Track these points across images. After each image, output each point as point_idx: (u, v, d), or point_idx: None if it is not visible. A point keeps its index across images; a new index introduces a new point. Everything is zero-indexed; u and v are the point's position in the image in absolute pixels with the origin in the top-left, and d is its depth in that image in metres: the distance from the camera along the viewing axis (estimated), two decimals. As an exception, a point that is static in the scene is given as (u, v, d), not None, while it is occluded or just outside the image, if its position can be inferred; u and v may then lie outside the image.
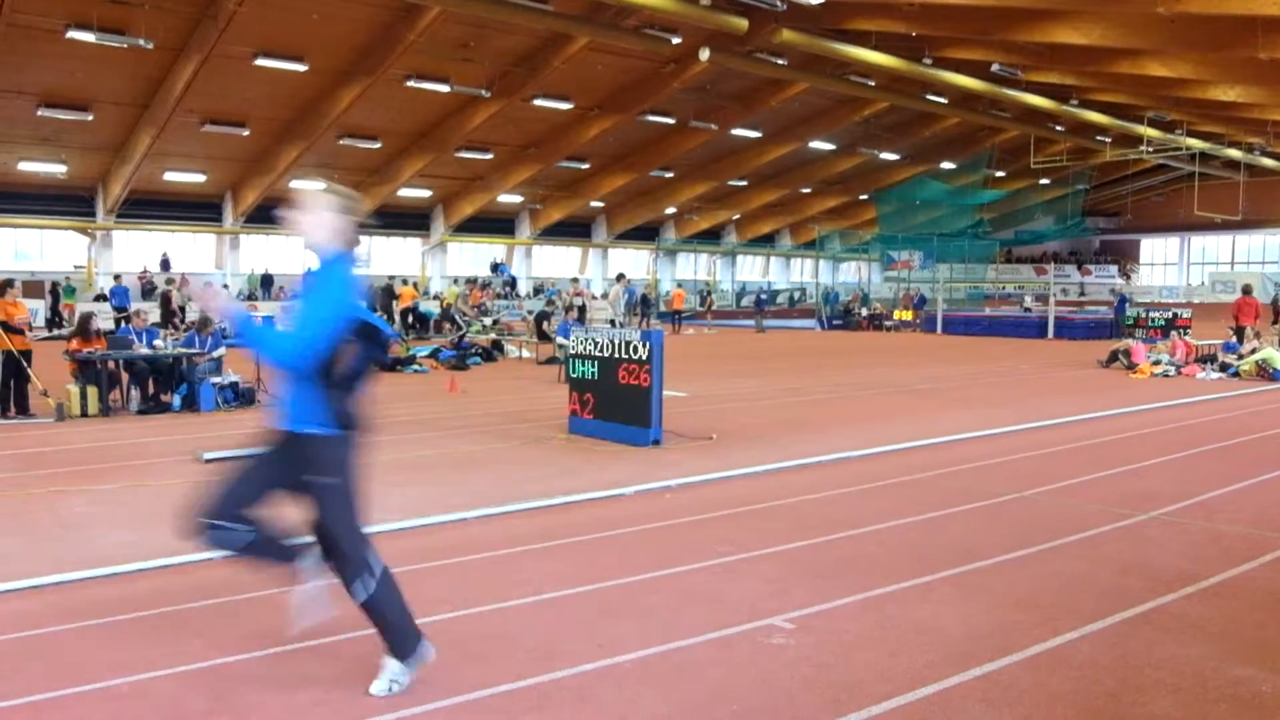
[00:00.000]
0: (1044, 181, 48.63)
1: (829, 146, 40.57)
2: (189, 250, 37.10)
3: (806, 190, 47.51)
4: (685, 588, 4.92)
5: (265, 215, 36.45)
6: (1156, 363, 16.85)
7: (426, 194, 39.66)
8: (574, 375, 9.76)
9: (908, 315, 34.77)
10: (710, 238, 50.72)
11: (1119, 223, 60.58)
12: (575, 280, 39.62)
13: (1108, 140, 39.52)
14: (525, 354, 19.98)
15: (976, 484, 7.50)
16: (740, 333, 32.38)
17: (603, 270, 47.96)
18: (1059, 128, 38.74)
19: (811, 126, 37.72)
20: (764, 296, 37.00)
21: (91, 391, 10.94)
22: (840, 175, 45.25)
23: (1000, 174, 46.01)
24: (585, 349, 9.54)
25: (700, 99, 32.87)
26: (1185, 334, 20.50)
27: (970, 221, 46.07)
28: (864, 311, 36.01)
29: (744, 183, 44.37)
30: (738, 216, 50.02)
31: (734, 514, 6.52)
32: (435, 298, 35.92)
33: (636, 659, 3.99)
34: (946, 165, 44.27)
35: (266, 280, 36.76)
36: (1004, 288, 51.53)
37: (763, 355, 22.00)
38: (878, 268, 50.82)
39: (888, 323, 34.46)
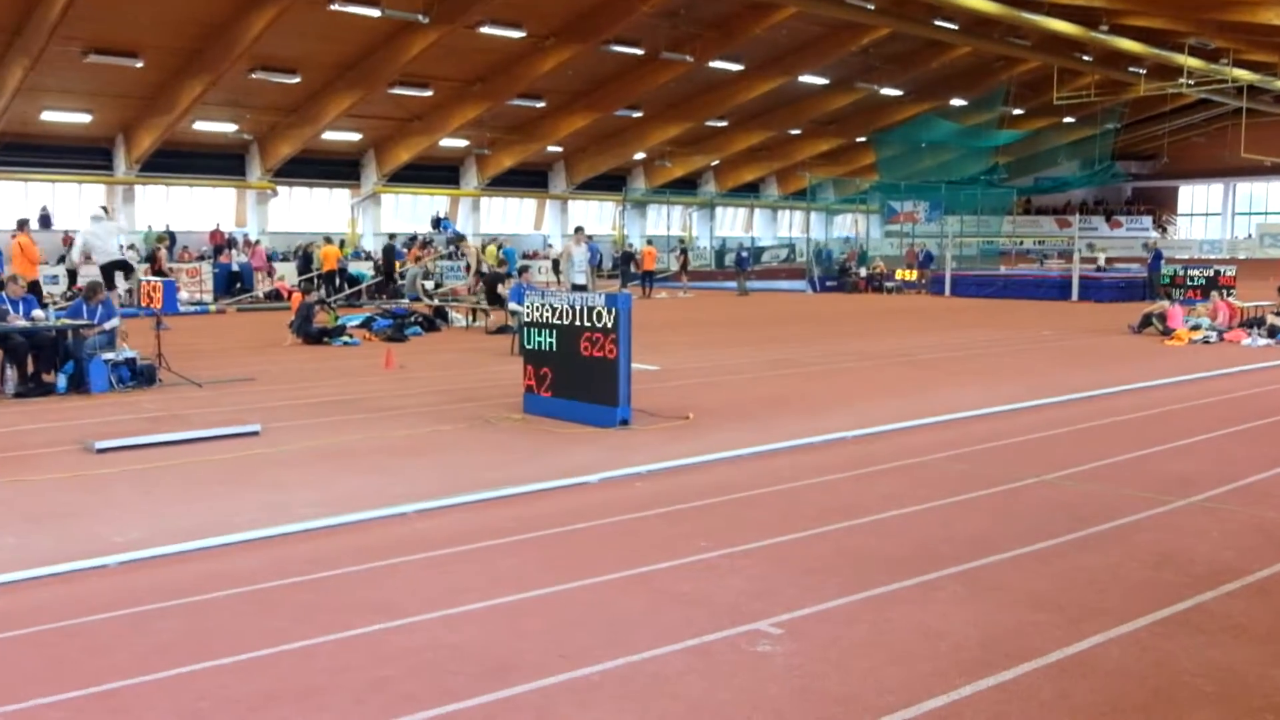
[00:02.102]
0: (1068, 120, 48.95)
1: (821, 81, 40.53)
2: (75, 203, 36.43)
3: (795, 132, 47.48)
4: (659, 589, 4.94)
5: (166, 162, 35.90)
6: (1195, 328, 17.09)
7: (355, 138, 39.18)
8: (529, 347, 9.72)
9: (911, 275, 34.97)
10: (685, 187, 50.63)
11: (1154, 167, 61.20)
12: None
13: (1142, 72, 39.81)
14: (473, 322, 19.90)
15: (990, 467, 7.58)
16: (720, 296, 32.44)
17: (562, 225, 47.79)
18: (1086, 58, 38.94)
19: (801, 58, 37.64)
20: (746, 254, 36.99)
21: (-40, 371, 10.74)
22: (834, 114, 45.27)
23: (1018, 112, 46.25)
24: (542, 316, 9.51)
25: (673, 26, 32.65)
26: (1229, 295, 20.79)
27: (984, 167, 46.37)
28: (862, 271, 36.19)
29: (724, 123, 44.25)
30: (717, 162, 49.94)
31: (714, 504, 6.55)
32: (368, 257, 35.67)
33: (604, 671, 4.00)
34: (956, 102, 44.42)
35: (169, 238, 36.22)
36: (1022, 242, 52.01)
37: (746, 322, 22.07)
38: (877, 220, 51.06)
39: (889, 284, 34.68)
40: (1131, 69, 39.95)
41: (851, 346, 16.35)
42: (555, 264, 29.04)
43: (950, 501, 6.57)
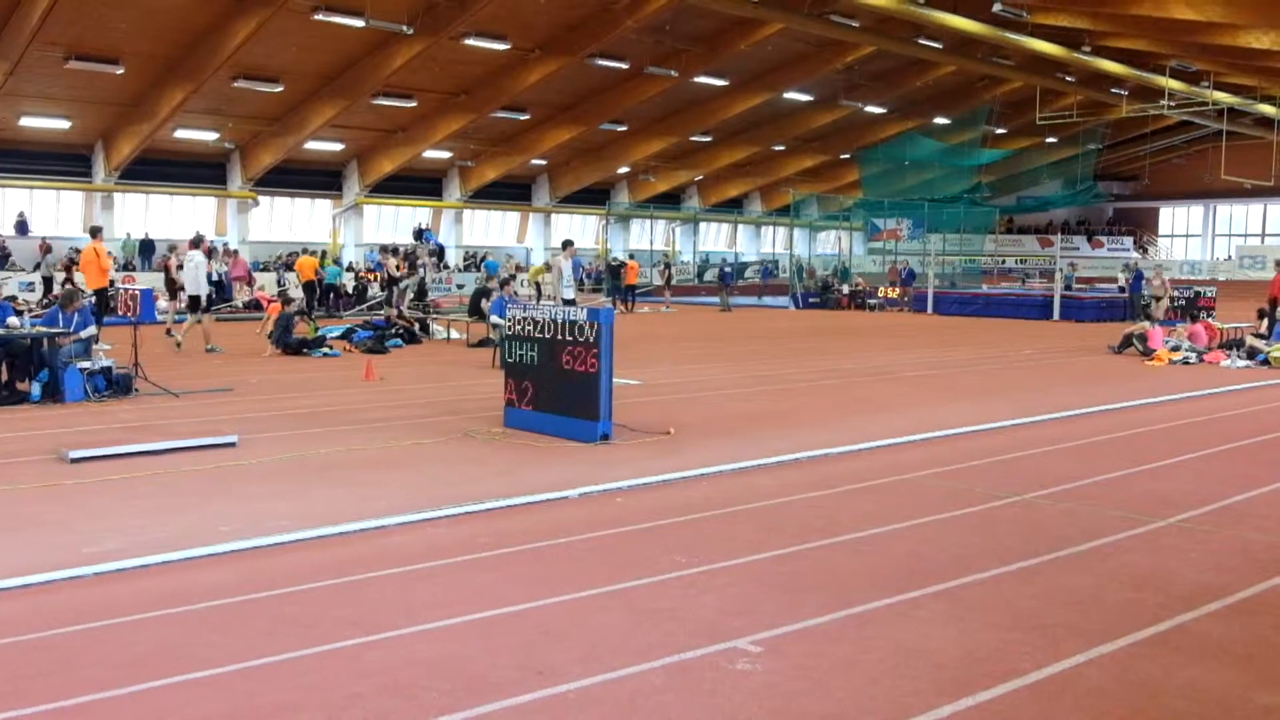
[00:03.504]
0: (1051, 140, 49.41)
1: (806, 98, 40.76)
2: (52, 210, 36.20)
3: (780, 148, 47.70)
4: (637, 605, 4.92)
5: (145, 170, 35.72)
6: (1175, 349, 17.20)
7: (338, 148, 39.10)
8: (510, 360, 9.70)
9: (894, 293, 35.12)
10: (669, 202, 50.75)
11: (1135, 188, 61.82)
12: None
13: (1124, 93, 40.21)
14: (454, 335, 19.86)
15: (971, 485, 7.60)
16: (703, 311, 32.49)
17: (545, 239, 47.79)
18: (1069, 78, 39.31)
19: (786, 74, 37.86)
20: (729, 269, 37.09)
21: (-68, 378, 10.64)
22: (819, 131, 45.51)
23: (1001, 131, 46.64)
24: (523, 330, 9.49)
25: (658, 41, 32.78)
26: (1209, 316, 20.95)
27: (967, 185, 46.69)
28: (844, 288, 36.33)
29: (708, 139, 44.43)
30: (700, 178, 50.10)
31: (694, 520, 6.53)
32: (349, 268, 35.56)
33: (581, 688, 3.98)
34: (940, 121, 44.76)
35: (147, 246, 36.02)
36: (1004, 261, 52.34)
37: (728, 337, 22.10)
38: (860, 237, 51.28)
39: (871, 300, 34.81)
40: (1114, 90, 40.35)
41: (834, 363, 16.40)
42: (537, 286, 29.05)
43: (931, 520, 6.58)
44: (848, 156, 47.74)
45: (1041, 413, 11.07)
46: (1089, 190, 50.93)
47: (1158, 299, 22.33)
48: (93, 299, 15.46)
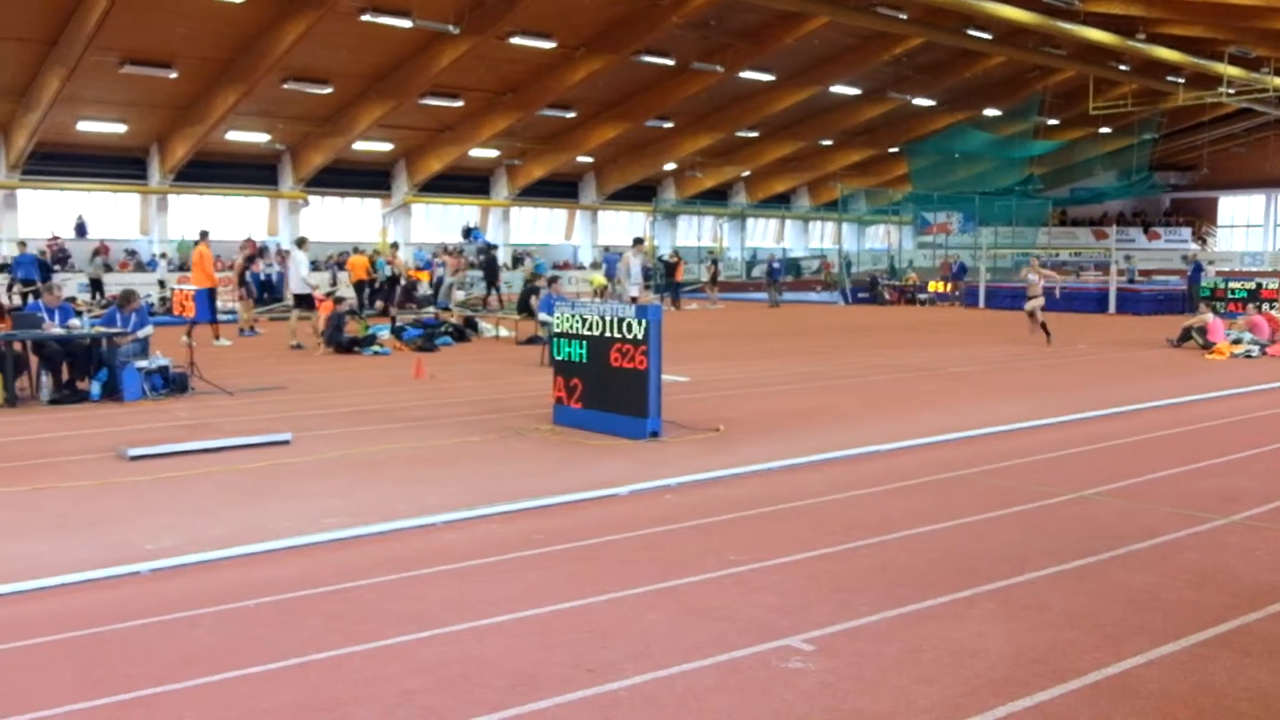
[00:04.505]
0: (1105, 131, 48.53)
1: (853, 91, 40.44)
2: (109, 212, 36.91)
3: (827, 142, 47.39)
4: (688, 603, 4.92)
5: (199, 172, 36.29)
6: (1237, 341, 16.86)
7: (387, 148, 39.47)
8: (559, 357, 9.74)
9: (945, 287, 34.76)
10: (716, 198, 50.62)
11: (1193, 178, 60.52)
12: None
13: (1181, 81, 39.40)
14: (503, 332, 19.97)
15: (1026, 483, 7.50)
16: (751, 308, 32.38)
17: (592, 236, 47.89)
18: (1123, 67, 38.61)
19: (833, 68, 37.58)
20: (777, 265, 36.89)
21: (-5, 378, 10.89)
22: (866, 125, 45.13)
23: (1053, 122, 45.92)
24: (572, 327, 9.52)
25: (703, 37, 32.70)
26: (1271, 308, 20.50)
27: (1018, 177, 46.05)
28: (894, 282, 36.03)
29: (755, 134, 44.23)
30: (748, 173, 49.88)
31: (744, 517, 6.52)
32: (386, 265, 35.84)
33: (632, 686, 3.99)
34: (990, 112, 44.15)
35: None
36: (1057, 254, 51.55)
37: (777, 334, 22.01)
38: (910, 232, 50.80)
39: (921, 295, 34.49)
40: (1170, 78, 39.55)
41: (883, 359, 16.26)
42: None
43: (984, 518, 6.50)
44: (896, 150, 47.27)
45: (1097, 408, 10.90)
46: (1145, 181, 49.97)
47: None
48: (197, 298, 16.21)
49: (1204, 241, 58.37)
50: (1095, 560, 5.59)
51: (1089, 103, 38.45)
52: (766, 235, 55.90)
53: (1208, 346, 16.97)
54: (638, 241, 16.31)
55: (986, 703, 3.83)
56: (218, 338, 17.80)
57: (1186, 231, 59.18)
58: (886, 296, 34.96)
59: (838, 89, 39.54)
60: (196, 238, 18.93)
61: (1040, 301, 18.63)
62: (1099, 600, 4.96)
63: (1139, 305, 28.14)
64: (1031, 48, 35.91)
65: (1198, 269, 27.73)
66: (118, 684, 3.99)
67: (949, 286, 34.73)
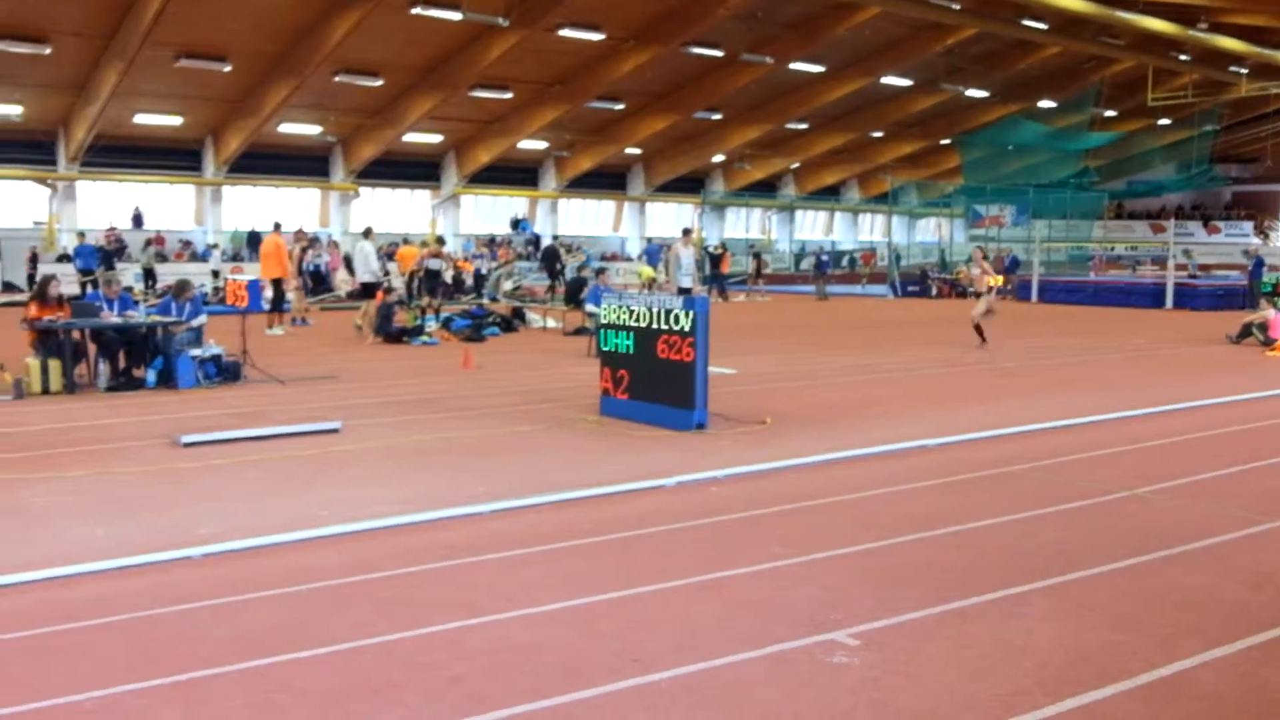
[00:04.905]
0: (1163, 122, 47.66)
1: (904, 82, 40.03)
2: (164, 204, 37.54)
3: (878, 134, 46.98)
4: (733, 595, 4.91)
5: (252, 163, 36.80)
6: (1297, 338, 16.50)
7: (436, 140, 39.75)
8: (606, 349, 9.76)
9: (998, 281, 34.33)
10: (765, 190, 50.40)
11: (1255, 171, 59.19)
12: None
13: (1243, 72, 38.58)
14: (551, 323, 20.05)
15: (1079, 479, 7.40)
16: (799, 300, 32.22)
17: (640, 227, 47.90)
18: (1184, 57, 37.87)
19: (884, 59, 37.23)
20: (825, 258, 36.65)
21: (54, 365, 11.13)
22: (918, 116, 44.68)
23: (1110, 113, 45.18)
24: (619, 319, 9.53)
25: (752, 28, 32.54)
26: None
27: (1073, 170, 45.36)
28: (944, 276, 35.64)
29: (804, 126, 43.96)
30: (797, 165, 49.60)
31: (790, 510, 6.50)
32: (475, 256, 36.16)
33: (676, 677, 3.99)
34: (1045, 104, 43.52)
35: (254, 238, 37.12)
36: (1113, 248, 50.71)
37: (825, 326, 21.89)
38: (961, 225, 50.24)
39: (973, 289, 34.06)
40: (1232, 68, 38.75)
41: (933, 353, 16.11)
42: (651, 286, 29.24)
43: (1034, 514, 6.43)
44: (948, 142, 46.76)
45: (1153, 405, 10.71)
46: (1205, 174, 48.92)
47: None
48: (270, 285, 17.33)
49: (1266, 236, 57.09)
50: (1148, 559, 5.51)
51: (1148, 94, 37.74)
52: (815, 227, 55.56)
53: (1269, 343, 16.62)
54: (686, 232, 16.21)
55: (1036, 701, 3.79)
56: (271, 326, 18.09)
57: (1248, 225, 57.92)
58: (936, 290, 34.61)
59: (889, 80, 39.17)
60: (270, 229, 19.39)
61: (990, 300, 16.78)
62: (1151, 600, 4.89)
63: (1197, 301, 27.62)
64: (1088, 38, 35.33)
65: (1259, 264, 27.11)
66: (171, 666, 4.07)
67: (1002, 280, 34.27)
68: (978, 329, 16.61)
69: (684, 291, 14.63)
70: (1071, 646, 4.31)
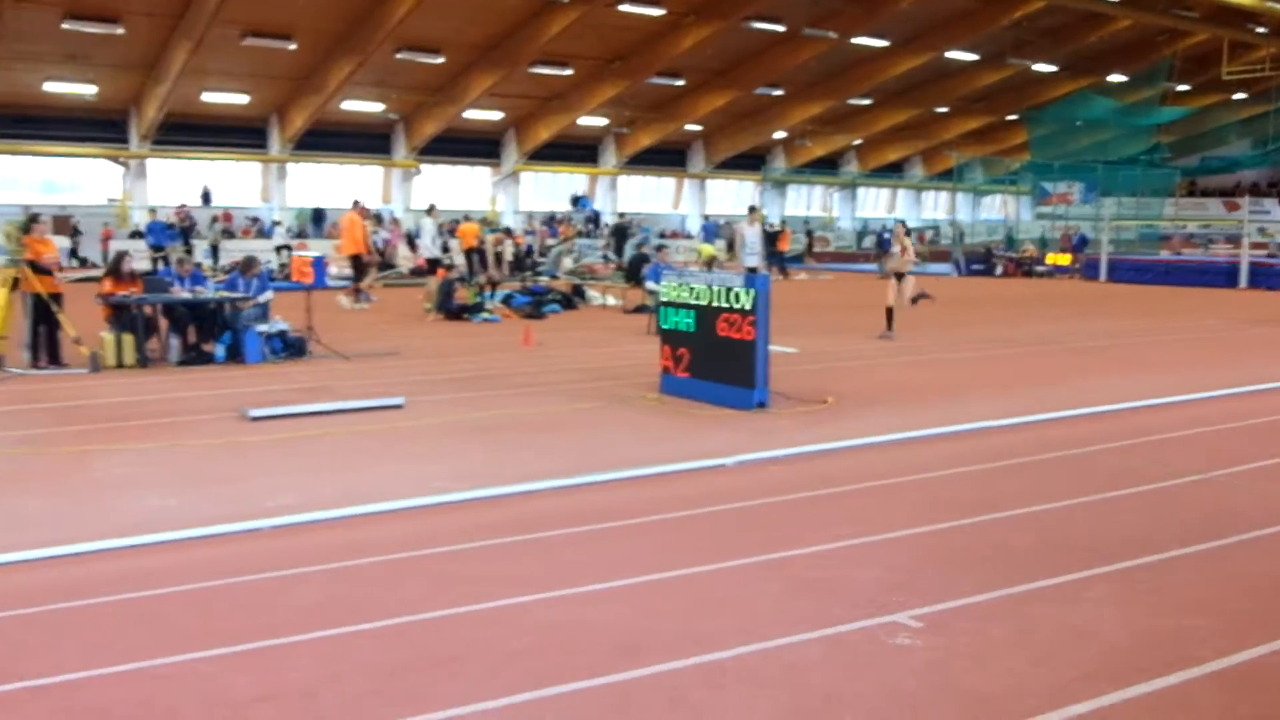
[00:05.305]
0: (1239, 97, 46.25)
1: (971, 57, 39.31)
2: (231, 181, 38.17)
3: (943, 110, 46.24)
4: (794, 576, 4.89)
5: (316, 141, 37.25)
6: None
7: (497, 116, 39.90)
8: (666, 327, 9.74)
9: (1065, 259, 33.72)
10: (827, 167, 49.90)
11: (1334, 146, 57.34)
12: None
13: (1323, 43, 37.31)
14: (611, 301, 20.06)
15: (1148, 462, 7.25)
16: (859, 278, 31.90)
17: (700, 205, 47.72)
18: (1260, 29, 36.69)
19: (950, 32, 36.57)
20: (888, 236, 36.20)
21: (127, 340, 11.39)
22: (984, 91, 43.88)
23: (1183, 88, 43.92)
24: (679, 296, 9.51)
25: (815, 2, 32.14)
26: None
27: (1144, 146, 44.22)
28: (1010, 254, 35.05)
29: (867, 101, 43.41)
30: (859, 142, 49.04)
31: (852, 491, 6.45)
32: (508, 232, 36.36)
33: (736, 656, 3.99)
34: (1115, 78, 42.48)
35: (318, 215, 37.62)
36: (1185, 226, 49.46)
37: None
38: (1028, 202, 49.34)
39: (1040, 268, 33.50)
40: (1313, 40, 37.49)
41: (998, 332, 15.87)
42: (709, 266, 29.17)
43: (1102, 497, 6.31)
44: (1014, 117, 45.86)
45: (1226, 387, 10.45)
46: (1282, 149, 47.51)
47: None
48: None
49: (1346, 214, 55.27)
50: (1219, 545, 5.38)
51: (1222, 67, 36.66)
52: (878, 205, 54.94)
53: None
54: (752, 210, 16.03)
55: (1102, 687, 3.73)
56: (351, 299, 18.74)
57: (1326, 203, 56.14)
58: (1002, 269, 34.06)
59: (954, 54, 38.51)
60: (349, 206, 19.78)
61: (910, 283, 15.05)
62: (1222, 586, 4.77)
63: (1272, 280, 26.87)
64: (1161, 10, 34.40)
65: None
66: (239, 635, 4.15)
67: (1070, 258, 33.66)
68: (889, 314, 14.74)
69: (750, 270, 14.43)
70: (1139, 632, 4.23)
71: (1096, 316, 18.81)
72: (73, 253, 30.99)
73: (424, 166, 40.70)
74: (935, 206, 55.96)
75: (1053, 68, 41.51)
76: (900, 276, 14.81)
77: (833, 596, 4.61)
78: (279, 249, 28.60)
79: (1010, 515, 5.92)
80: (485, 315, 16.95)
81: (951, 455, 7.44)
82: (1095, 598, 4.62)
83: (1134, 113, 42.08)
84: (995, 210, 55.97)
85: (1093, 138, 43.76)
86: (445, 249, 24.28)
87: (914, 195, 55.79)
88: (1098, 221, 36.39)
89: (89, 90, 32.51)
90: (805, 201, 50.88)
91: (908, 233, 15.48)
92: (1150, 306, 21.32)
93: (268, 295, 12.68)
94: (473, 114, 38.03)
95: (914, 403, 9.56)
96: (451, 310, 16.93)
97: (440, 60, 33.36)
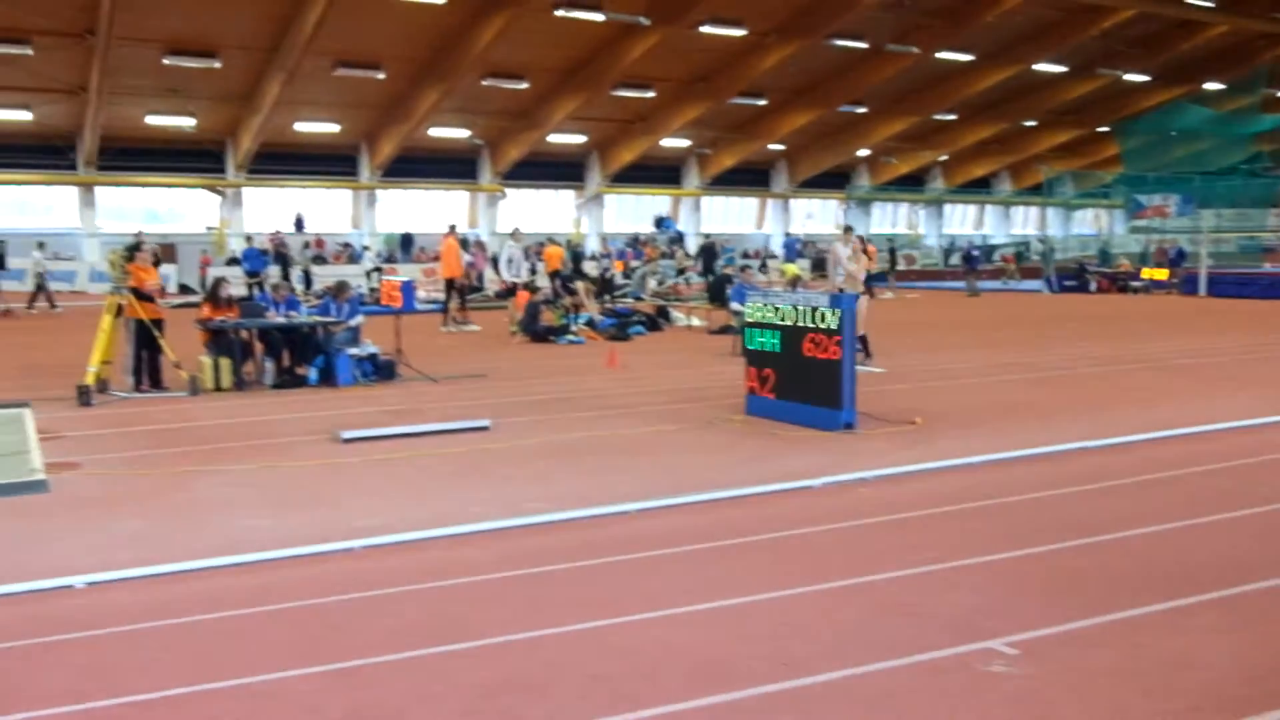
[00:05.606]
0: (1344, 103, 44.65)
1: (1059, 69, 38.61)
2: (323, 208, 39.15)
3: (1030, 124, 45.45)
4: (884, 600, 4.82)
5: (404, 167, 38.04)
6: None
7: (580, 140, 40.31)
8: (751, 347, 9.71)
9: (1161, 274, 32.80)
10: (912, 183, 49.34)
11: None
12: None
13: None
14: (695, 322, 20.06)
15: (1253, 484, 7.00)
16: (948, 296, 31.44)
17: (784, 224, 47.54)
18: (1366, 33, 35.43)
19: (1036, 44, 35.97)
20: (976, 252, 35.59)
21: (225, 363, 11.72)
22: (1073, 103, 43.03)
23: (1285, 95, 42.60)
24: (764, 317, 9.47)
25: (898, 17, 31.90)
26: None
27: (1243, 155, 42.91)
28: (1104, 269, 34.20)
29: (953, 117, 42.88)
30: (945, 158, 48.43)
31: (943, 513, 6.33)
32: (592, 258, 36.63)
33: (826, 682, 3.93)
34: (1211, 86, 41.33)
35: (406, 240, 38.35)
36: (1287, 238, 47.80)
37: (976, 323, 21.29)
38: (1121, 216, 48.15)
39: (1135, 283, 32.63)
40: None
41: (1092, 350, 15.48)
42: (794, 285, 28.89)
43: (1206, 521, 6.10)
44: (1106, 129, 44.89)
45: (1335, 405, 10.04)
46: (1393, 157, 45.67)
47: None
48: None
49: None
50: (1334, 571, 5.16)
51: (1326, 72, 35.47)
52: (965, 221, 54.12)
53: None
54: (847, 230, 15.74)
55: None
56: (462, 323, 19.28)
57: None
58: (1095, 284, 33.26)
59: (1042, 67, 37.86)
60: (446, 231, 20.35)
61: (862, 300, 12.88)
62: (1339, 614, 4.58)
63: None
64: (1258, 14, 33.39)
65: None
66: (333, 653, 4.22)
67: (1166, 273, 32.74)
68: (863, 341, 13.01)
69: (843, 290, 14.08)
70: (1248, 663, 4.07)
71: (1196, 333, 18.26)
72: (176, 283, 32.05)
73: (509, 190, 41.25)
74: (1025, 222, 54.92)
75: (1145, 77, 40.55)
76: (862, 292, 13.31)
77: (924, 621, 4.52)
78: (370, 271, 29.22)
79: (1109, 539, 5.75)
80: (570, 337, 17.08)
81: (1046, 477, 7.26)
82: (1200, 626, 4.46)
83: (1232, 121, 40.91)
84: (1087, 224, 54.72)
85: (1189, 148, 42.63)
86: (534, 271, 24.55)
87: (1002, 211, 54.84)
88: (1196, 234, 35.37)
89: (188, 122, 33.72)
90: (890, 219, 50.34)
91: (864, 242, 14.57)
92: (1253, 322, 20.61)
93: (359, 319, 12.96)
94: (556, 138, 38.49)
95: (1006, 423, 9.37)
96: (537, 332, 17.10)
97: (524, 86, 33.85)
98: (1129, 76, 39.85)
